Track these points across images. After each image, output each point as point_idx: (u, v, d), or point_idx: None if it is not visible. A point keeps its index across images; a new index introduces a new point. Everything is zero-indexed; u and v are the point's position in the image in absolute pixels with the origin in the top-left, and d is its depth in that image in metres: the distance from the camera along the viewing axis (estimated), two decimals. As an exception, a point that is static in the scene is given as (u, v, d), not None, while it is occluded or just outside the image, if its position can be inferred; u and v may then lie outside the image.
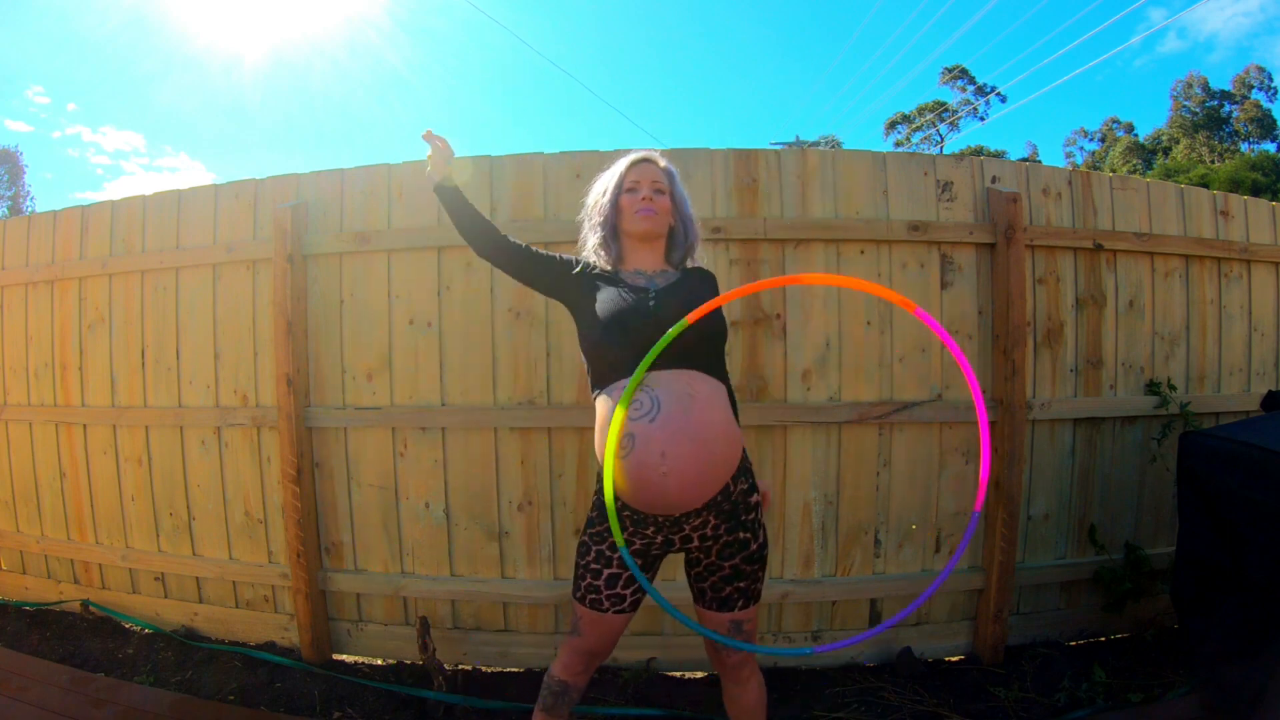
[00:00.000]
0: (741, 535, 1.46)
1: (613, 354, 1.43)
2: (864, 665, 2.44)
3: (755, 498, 1.50)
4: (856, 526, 2.44)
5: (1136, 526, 2.61)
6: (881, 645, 2.47)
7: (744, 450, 1.48)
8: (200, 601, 2.79)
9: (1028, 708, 2.17)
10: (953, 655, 2.51)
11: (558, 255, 1.63)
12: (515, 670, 2.47)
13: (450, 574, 2.50)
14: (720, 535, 1.44)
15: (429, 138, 1.58)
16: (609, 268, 1.57)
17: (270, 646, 2.65)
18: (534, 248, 1.63)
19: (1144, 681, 2.25)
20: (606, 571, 1.46)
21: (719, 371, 1.48)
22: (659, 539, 1.44)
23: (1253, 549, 1.87)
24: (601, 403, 1.45)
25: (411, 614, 2.52)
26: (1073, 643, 2.57)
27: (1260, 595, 1.86)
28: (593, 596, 1.47)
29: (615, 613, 1.47)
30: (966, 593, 2.49)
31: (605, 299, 1.48)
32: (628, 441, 1.35)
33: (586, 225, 1.63)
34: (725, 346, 1.55)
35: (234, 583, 2.72)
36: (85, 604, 2.94)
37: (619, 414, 1.31)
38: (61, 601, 3.00)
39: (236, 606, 2.74)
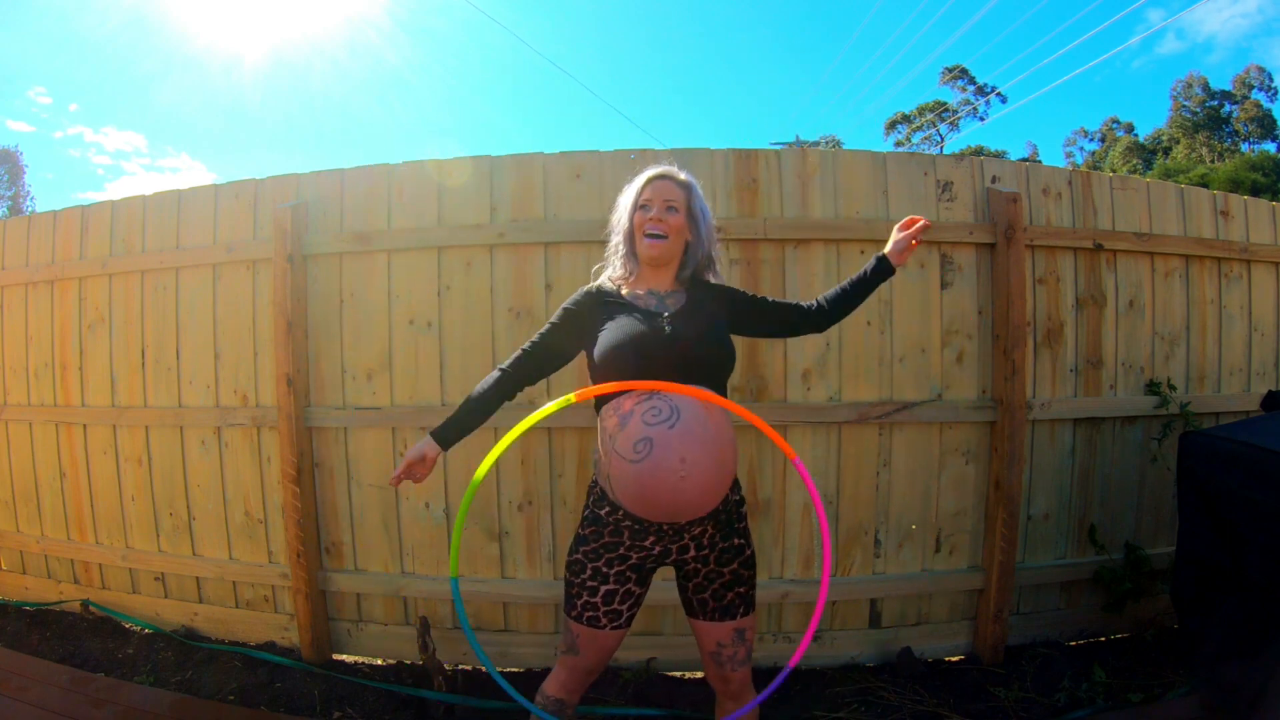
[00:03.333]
0: (736, 541, 1.49)
1: (625, 371, 1.42)
2: (864, 665, 2.44)
3: (744, 508, 1.54)
4: (856, 526, 2.44)
5: (1136, 526, 2.61)
6: (881, 645, 2.47)
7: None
8: (200, 601, 2.79)
9: (1028, 708, 2.17)
10: (953, 655, 2.51)
11: (561, 314, 1.57)
12: (515, 670, 2.47)
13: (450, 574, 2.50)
14: (717, 542, 1.47)
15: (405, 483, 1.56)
16: (621, 285, 1.58)
17: (270, 646, 2.65)
18: (540, 336, 1.57)
19: (1144, 681, 2.25)
20: (604, 589, 1.45)
21: (723, 394, 1.51)
22: (657, 549, 1.45)
23: (1253, 549, 1.87)
24: (610, 414, 1.42)
25: (411, 614, 2.52)
26: (1073, 643, 2.57)
27: (1260, 595, 1.86)
28: (590, 614, 1.46)
29: (613, 629, 1.47)
30: (966, 593, 2.49)
31: (618, 324, 1.47)
32: (644, 446, 1.34)
33: (611, 242, 1.64)
34: (731, 374, 1.58)
35: (234, 583, 2.72)
36: (85, 604, 2.94)
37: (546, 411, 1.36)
38: (61, 601, 3.00)
39: (236, 606, 2.74)
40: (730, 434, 1.43)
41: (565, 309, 1.58)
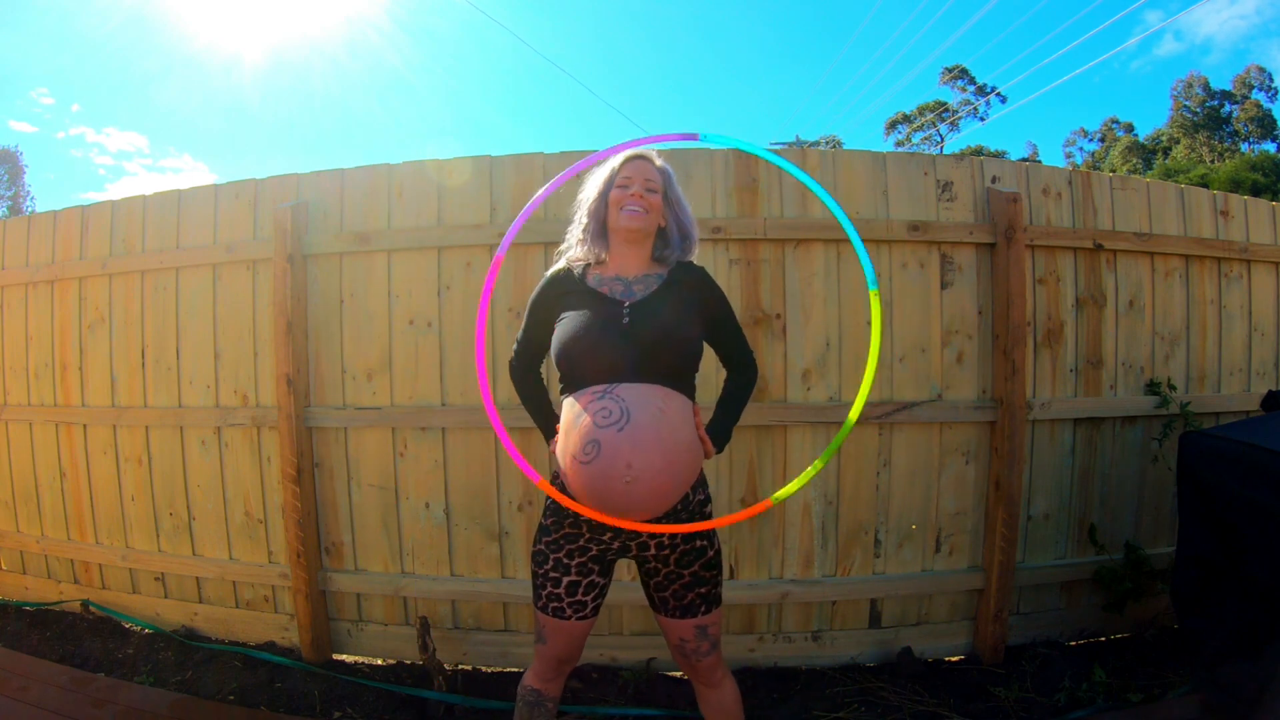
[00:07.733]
0: (699, 543, 1.46)
1: (581, 366, 1.40)
2: (864, 665, 2.44)
3: (709, 508, 1.51)
4: (856, 526, 2.44)
5: (1136, 526, 2.61)
6: (882, 645, 2.47)
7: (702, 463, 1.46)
8: (200, 601, 2.79)
9: (1028, 708, 2.17)
10: (953, 655, 2.51)
11: (530, 310, 1.58)
12: (515, 670, 2.46)
13: (450, 574, 2.50)
14: (678, 544, 1.45)
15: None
16: (586, 270, 1.53)
17: (270, 646, 2.65)
18: (524, 334, 1.62)
19: (1144, 681, 2.25)
20: (566, 579, 1.46)
21: (688, 389, 1.46)
22: (615, 544, 1.45)
23: (1253, 549, 1.87)
24: (569, 407, 1.41)
25: (411, 614, 2.52)
26: (1073, 643, 2.57)
27: (1260, 595, 1.85)
28: (555, 605, 1.46)
29: (578, 619, 1.47)
30: (966, 593, 2.49)
31: (575, 316, 1.44)
32: (592, 449, 1.32)
33: (575, 220, 1.58)
34: (698, 365, 1.48)
35: (234, 583, 2.72)
36: (85, 604, 2.94)
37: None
38: (61, 601, 3.00)
39: (236, 606, 2.74)
40: (688, 437, 1.38)
41: (531, 303, 1.58)
